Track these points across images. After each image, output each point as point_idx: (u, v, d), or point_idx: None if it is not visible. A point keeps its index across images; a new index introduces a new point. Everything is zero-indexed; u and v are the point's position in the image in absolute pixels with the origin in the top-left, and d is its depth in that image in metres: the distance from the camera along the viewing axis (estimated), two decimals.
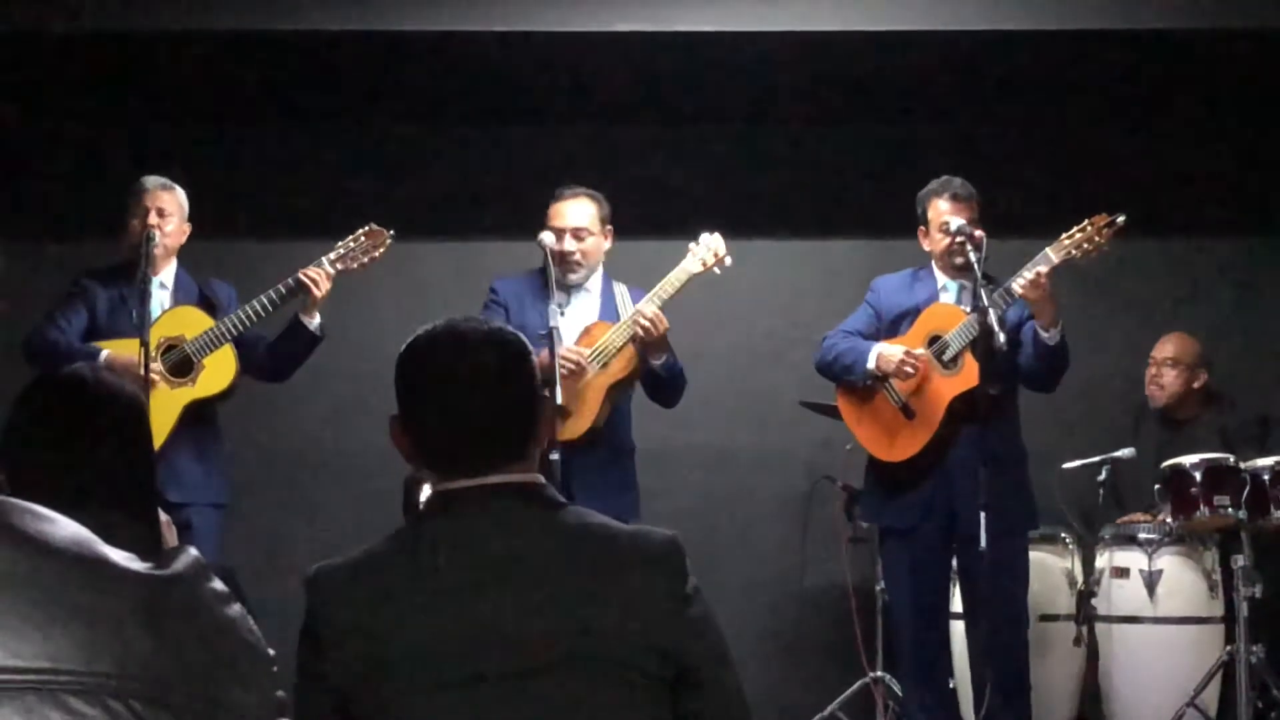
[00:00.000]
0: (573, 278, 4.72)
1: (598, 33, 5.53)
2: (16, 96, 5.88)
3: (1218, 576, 5.07)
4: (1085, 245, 4.54)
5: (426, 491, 1.96)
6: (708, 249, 4.67)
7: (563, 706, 1.80)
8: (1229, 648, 4.87)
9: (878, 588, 5.40)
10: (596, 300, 4.77)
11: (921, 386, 4.68)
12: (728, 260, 4.68)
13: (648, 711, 1.84)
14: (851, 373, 4.76)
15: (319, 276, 4.62)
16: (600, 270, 4.79)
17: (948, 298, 4.78)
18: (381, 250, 4.73)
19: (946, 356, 4.66)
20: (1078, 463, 5.45)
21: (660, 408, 4.87)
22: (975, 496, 4.42)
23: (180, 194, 4.78)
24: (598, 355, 4.60)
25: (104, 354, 4.55)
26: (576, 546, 1.88)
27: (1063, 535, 5.31)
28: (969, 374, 4.59)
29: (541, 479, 1.94)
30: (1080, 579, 5.21)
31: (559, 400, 4.37)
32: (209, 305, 4.73)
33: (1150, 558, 5.10)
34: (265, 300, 4.60)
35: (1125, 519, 5.35)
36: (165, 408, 4.48)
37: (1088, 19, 5.53)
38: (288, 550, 5.62)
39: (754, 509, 6.11)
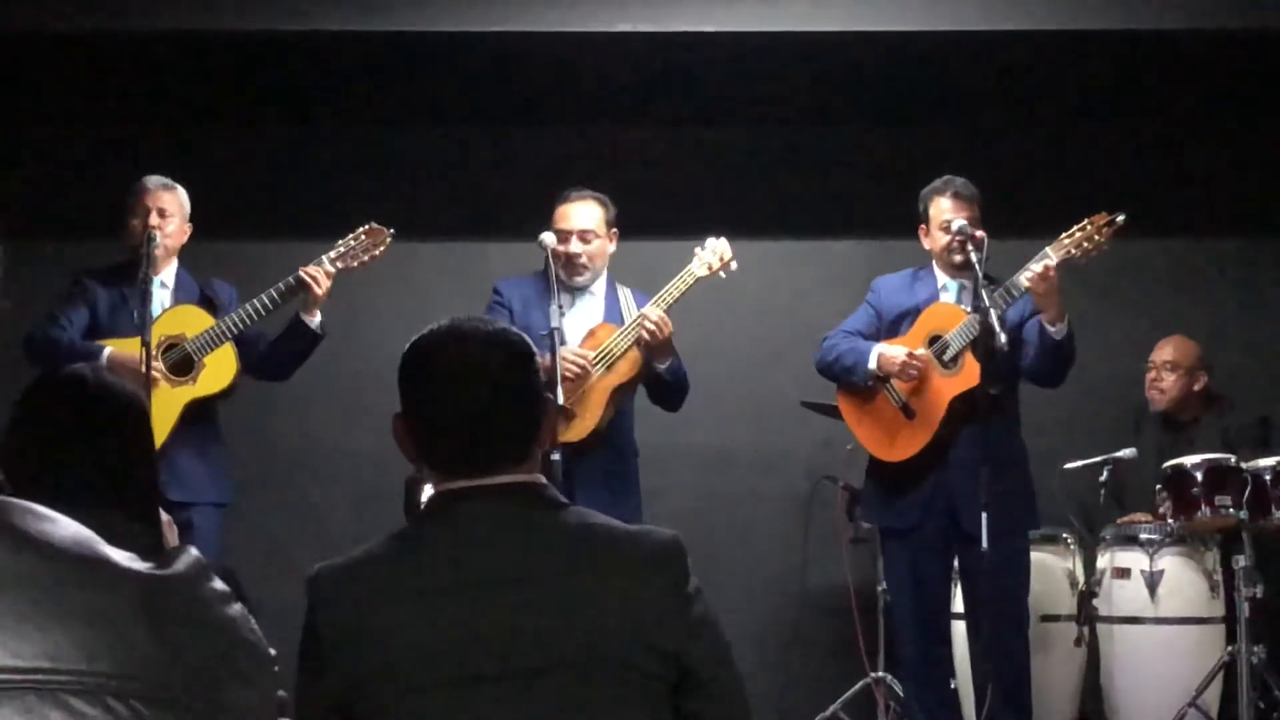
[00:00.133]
0: (578, 280, 4.71)
1: (598, 33, 5.53)
2: (16, 96, 5.87)
3: (1219, 577, 5.07)
4: (1085, 244, 4.53)
5: (428, 492, 1.96)
6: (714, 253, 4.67)
7: (564, 707, 1.80)
8: (1230, 648, 4.86)
9: (879, 588, 5.40)
10: (601, 303, 4.77)
11: (922, 386, 4.68)
12: (733, 264, 4.68)
13: (649, 712, 1.84)
14: (853, 373, 4.75)
15: (318, 274, 4.62)
16: (605, 273, 4.79)
17: (948, 297, 4.78)
18: (382, 249, 4.73)
19: (947, 356, 4.66)
20: (1079, 463, 5.44)
21: (661, 409, 4.87)
22: (976, 497, 4.42)
23: (181, 194, 4.78)
24: (602, 358, 4.60)
25: (106, 351, 4.55)
26: (578, 547, 1.88)
27: (1064, 535, 5.31)
28: (969, 374, 4.59)
29: (543, 479, 1.94)
30: (1081, 579, 5.21)
31: (560, 401, 4.36)
32: (210, 304, 4.73)
33: (1151, 558, 5.10)
34: (266, 299, 4.60)
35: (1126, 519, 5.35)
36: (166, 407, 4.48)
37: (1087, 19, 5.53)
38: (288, 550, 5.62)
39: (755, 509, 6.11)
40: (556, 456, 4.28)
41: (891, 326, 4.81)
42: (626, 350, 4.61)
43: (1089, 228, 4.55)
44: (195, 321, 4.63)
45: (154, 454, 2.12)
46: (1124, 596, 5.13)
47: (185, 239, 4.79)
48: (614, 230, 4.77)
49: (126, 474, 2.00)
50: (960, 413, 4.61)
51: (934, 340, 4.69)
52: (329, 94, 6.06)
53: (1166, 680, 4.97)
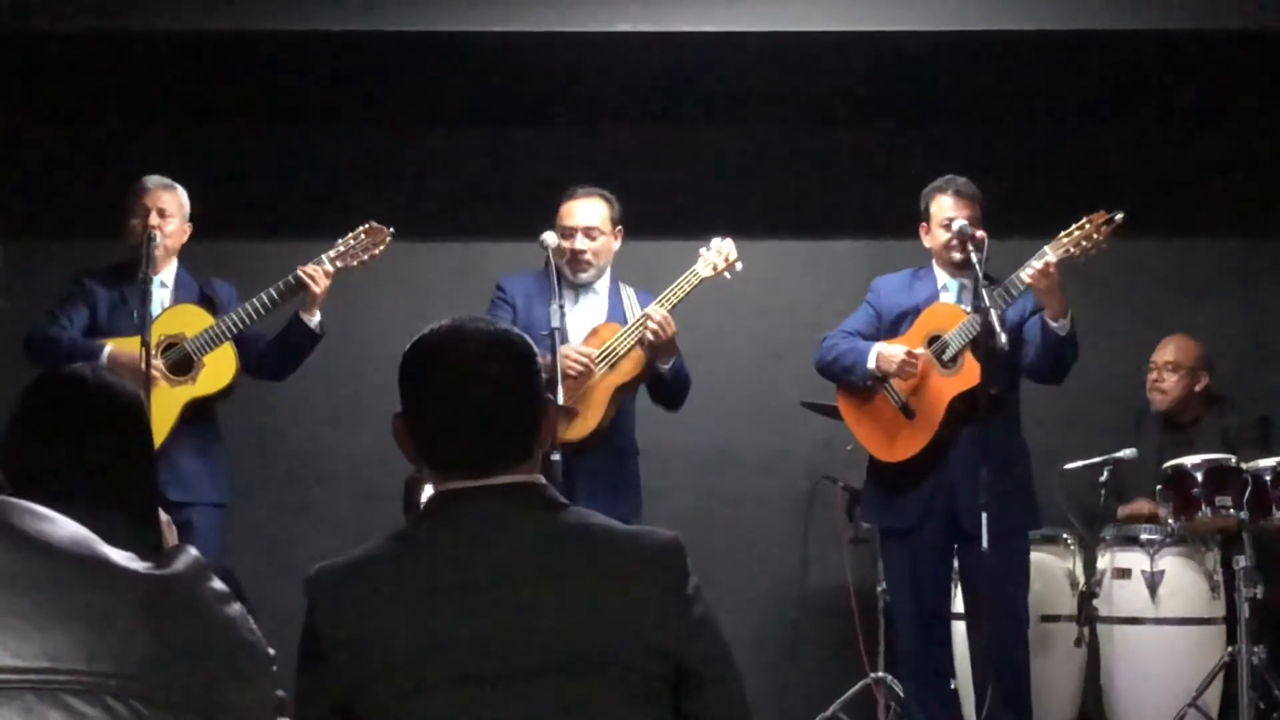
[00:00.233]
0: (583, 277, 4.72)
1: (597, 33, 5.53)
2: (16, 96, 5.87)
3: (1219, 577, 5.07)
4: (1084, 243, 4.53)
5: (428, 492, 1.96)
6: (718, 253, 4.67)
7: (563, 707, 1.80)
8: (1231, 649, 4.86)
9: (879, 588, 5.40)
10: (604, 301, 4.77)
11: (921, 386, 4.67)
12: (738, 265, 4.68)
13: (649, 712, 1.84)
14: (852, 373, 4.75)
15: (315, 273, 4.62)
16: (608, 272, 4.79)
17: (948, 297, 4.78)
18: (381, 248, 4.73)
19: (946, 356, 4.66)
20: (1079, 463, 5.44)
21: (661, 409, 4.87)
22: (976, 497, 4.42)
23: (181, 194, 4.78)
24: (605, 356, 4.60)
25: (107, 349, 4.55)
26: (578, 547, 1.88)
27: (1064, 536, 5.31)
28: (969, 374, 4.59)
29: (543, 480, 1.94)
30: (1082, 579, 5.21)
31: (560, 401, 4.36)
32: (209, 304, 4.73)
33: (1152, 558, 5.10)
34: (265, 298, 4.60)
35: (1128, 510, 5.34)
36: (165, 406, 4.48)
37: (1087, 19, 5.53)
38: (288, 550, 5.62)
39: (755, 509, 6.11)
40: (556, 456, 4.28)
41: (891, 326, 4.81)
42: (630, 350, 4.61)
43: (1088, 227, 4.54)
44: (195, 321, 4.63)
45: (153, 454, 2.12)
46: (1124, 597, 5.13)
47: (185, 239, 4.79)
48: (619, 228, 4.78)
49: (126, 474, 2.00)
50: (960, 413, 4.61)
51: (933, 340, 4.69)
52: (329, 94, 6.06)
53: (1167, 681, 4.97)
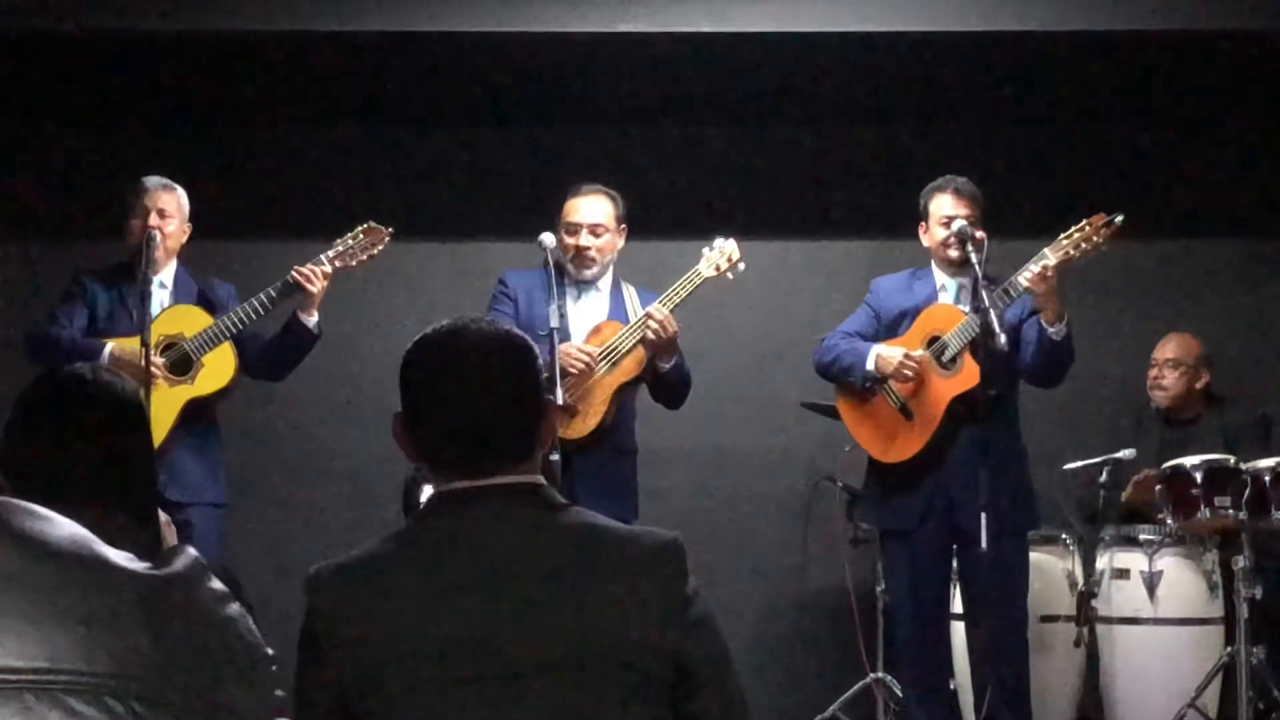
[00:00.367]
0: (587, 274, 4.71)
1: (597, 33, 5.53)
2: (17, 96, 5.87)
3: (1218, 578, 5.06)
4: (1083, 245, 4.53)
5: (427, 492, 1.96)
6: (721, 254, 4.66)
7: (563, 707, 1.80)
8: (1229, 649, 4.86)
9: (878, 589, 5.40)
10: (606, 299, 4.76)
11: (920, 387, 4.67)
12: (741, 266, 4.68)
13: (648, 712, 1.84)
14: (850, 374, 4.75)
15: (310, 274, 4.61)
16: (611, 270, 4.78)
17: (946, 297, 4.78)
18: (380, 248, 4.72)
19: (945, 357, 4.65)
20: (1079, 463, 5.44)
21: (661, 408, 4.86)
22: (975, 497, 4.42)
23: (181, 194, 4.77)
24: (607, 355, 4.59)
25: (109, 347, 4.54)
26: (577, 547, 1.88)
27: (1063, 536, 5.31)
28: (968, 374, 4.58)
29: (543, 480, 1.94)
30: (1081, 580, 5.20)
31: (559, 400, 4.36)
32: (208, 304, 4.72)
33: (1151, 559, 5.10)
34: (264, 298, 4.59)
35: (1139, 477, 5.30)
36: (164, 406, 4.48)
37: (1087, 20, 5.53)
38: (287, 550, 5.62)
39: (754, 510, 6.10)
40: (556, 456, 4.27)
41: (890, 327, 4.81)
42: (631, 349, 4.60)
43: (1087, 229, 4.54)
44: (194, 321, 4.62)
45: (153, 454, 2.12)
46: (1123, 597, 5.13)
47: (185, 239, 4.79)
48: (623, 226, 4.77)
49: (125, 474, 1.99)
50: (959, 413, 4.61)
51: (932, 341, 4.69)
52: (328, 94, 6.06)
53: (1165, 681, 4.97)
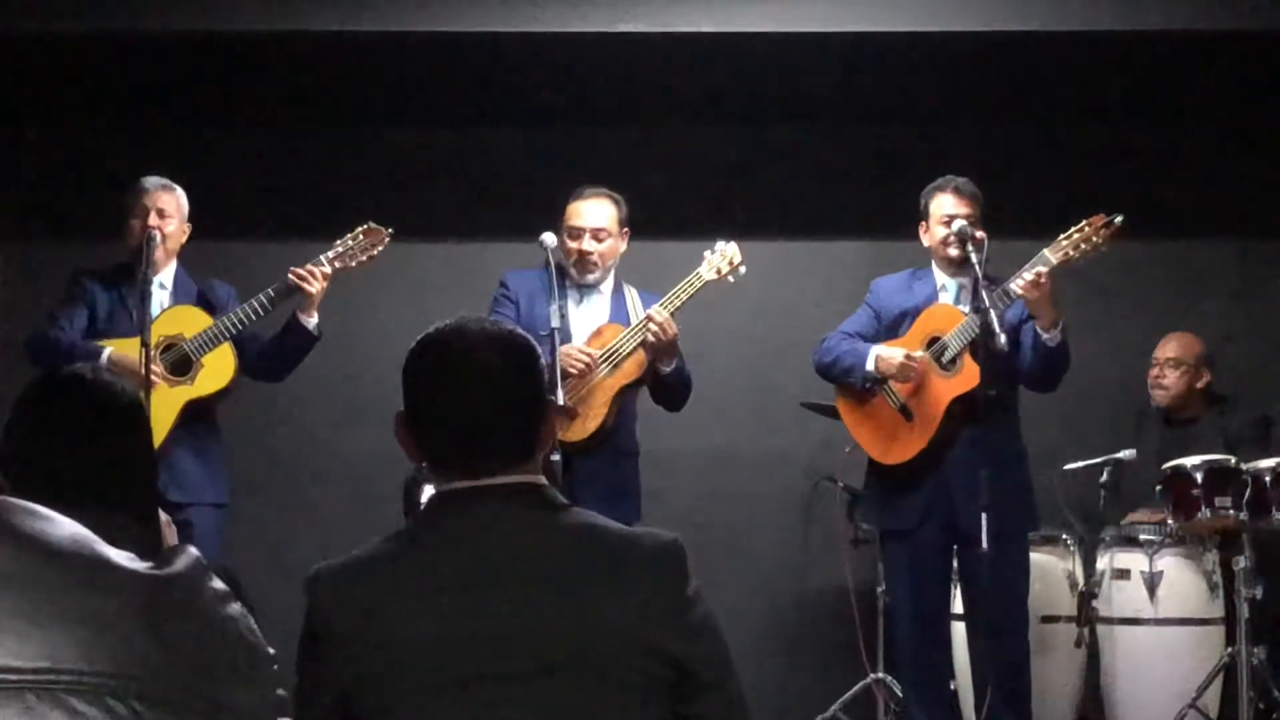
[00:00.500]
0: (589, 278, 4.70)
1: (597, 33, 5.53)
2: (17, 96, 5.87)
3: (1219, 578, 5.06)
4: (1083, 246, 4.53)
5: (428, 493, 1.96)
6: (722, 257, 4.66)
7: (563, 707, 1.80)
8: (1230, 649, 4.86)
9: (879, 589, 5.40)
10: (607, 302, 4.75)
11: (920, 388, 4.67)
12: (742, 269, 4.67)
13: (649, 713, 1.84)
14: (850, 375, 4.75)
15: (308, 275, 4.60)
16: (613, 272, 4.78)
17: (947, 298, 4.78)
18: (380, 248, 4.72)
19: (945, 358, 4.65)
20: (1079, 464, 5.44)
21: (661, 409, 4.86)
22: (976, 498, 4.42)
23: (180, 194, 4.77)
24: (608, 357, 4.59)
25: (107, 351, 4.54)
26: (578, 548, 1.88)
27: (1064, 537, 5.31)
28: (968, 375, 4.58)
29: (544, 480, 1.94)
30: (1081, 580, 5.20)
31: (560, 401, 4.36)
32: (208, 304, 4.72)
33: (1151, 559, 5.09)
34: (264, 299, 4.59)
35: (1131, 519, 5.34)
36: (164, 407, 4.48)
37: (1088, 19, 5.54)
38: (288, 551, 5.61)
39: (755, 510, 6.10)
40: (556, 457, 4.27)
41: (890, 327, 4.81)
42: (632, 351, 4.60)
43: (1087, 229, 4.54)
44: (193, 322, 4.62)
45: (153, 454, 2.12)
46: (1124, 598, 5.13)
47: (184, 239, 4.79)
48: (626, 229, 4.76)
49: (126, 474, 2.00)
50: (959, 414, 4.61)
51: (932, 342, 4.69)
52: (329, 94, 6.06)
53: (1166, 681, 4.97)
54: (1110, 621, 5.15)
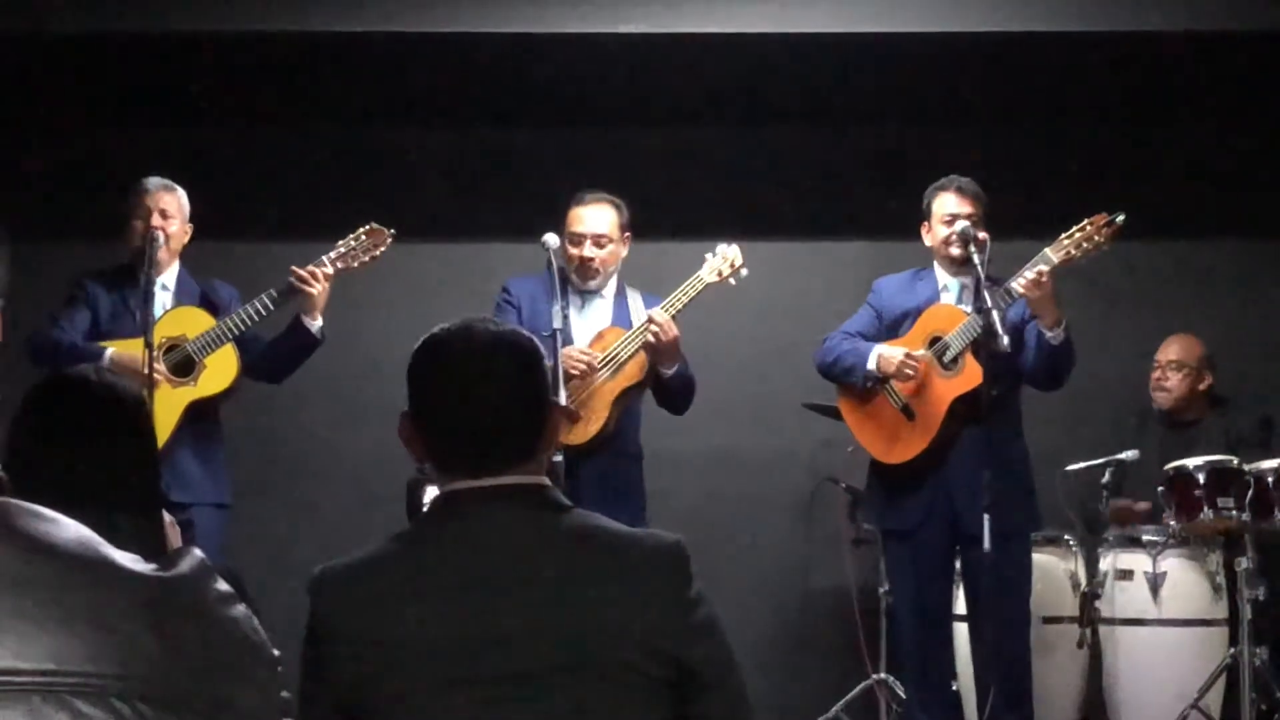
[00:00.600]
0: (591, 284, 4.70)
1: (598, 34, 5.53)
2: (18, 97, 5.87)
3: (1221, 579, 5.06)
4: (1085, 245, 4.53)
5: (430, 494, 1.96)
6: (724, 259, 4.66)
7: (566, 708, 1.80)
8: (1233, 650, 4.86)
9: (881, 589, 5.39)
10: (610, 306, 4.75)
11: (922, 388, 4.67)
12: (743, 271, 4.67)
13: (651, 714, 1.84)
14: (852, 374, 4.75)
15: (308, 276, 4.60)
16: (615, 276, 4.77)
17: (949, 298, 4.78)
18: (382, 249, 4.72)
19: (947, 358, 4.65)
20: (1081, 464, 5.43)
21: (663, 410, 4.86)
22: (978, 498, 4.42)
23: (181, 195, 4.77)
24: (608, 360, 4.59)
25: (108, 352, 4.54)
26: (581, 549, 1.88)
27: (1066, 537, 5.31)
28: (970, 375, 4.58)
29: (547, 481, 1.94)
30: (1084, 581, 5.20)
31: (562, 401, 4.36)
32: (210, 305, 4.72)
33: (1154, 560, 5.09)
34: (266, 299, 4.59)
35: (1118, 503, 5.33)
36: (167, 408, 4.48)
37: (1088, 20, 5.54)
38: (291, 551, 5.61)
39: (757, 511, 6.10)
40: (559, 458, 4.27)
41: (892, 327, 4.81)
42: (634, 354, 4.60)
43: (1089, 228, 4.54)
44: (196, 322, 4.62)
45: (156, 455, 2.12)
46: (1126, 598, 5.13)
47: (186, 240, 4.79)
48: (627, 234, 4.75)
49: (130, 475, 2.00)
50: (961, 414, 4.61)
51: (934, 341, 4.68)
52: (330, 94, 6.06)
53: (1169, 682, 4.97)
54: (1113, 622, 5.14)
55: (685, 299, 4.62)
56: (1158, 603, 5.07)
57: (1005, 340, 4.35)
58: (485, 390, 1.89)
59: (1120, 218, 4.51)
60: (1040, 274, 4.45)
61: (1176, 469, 4.96)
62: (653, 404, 4.83)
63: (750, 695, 1.94)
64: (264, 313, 4.60)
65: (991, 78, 5.93)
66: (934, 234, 4.76)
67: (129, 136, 5.99)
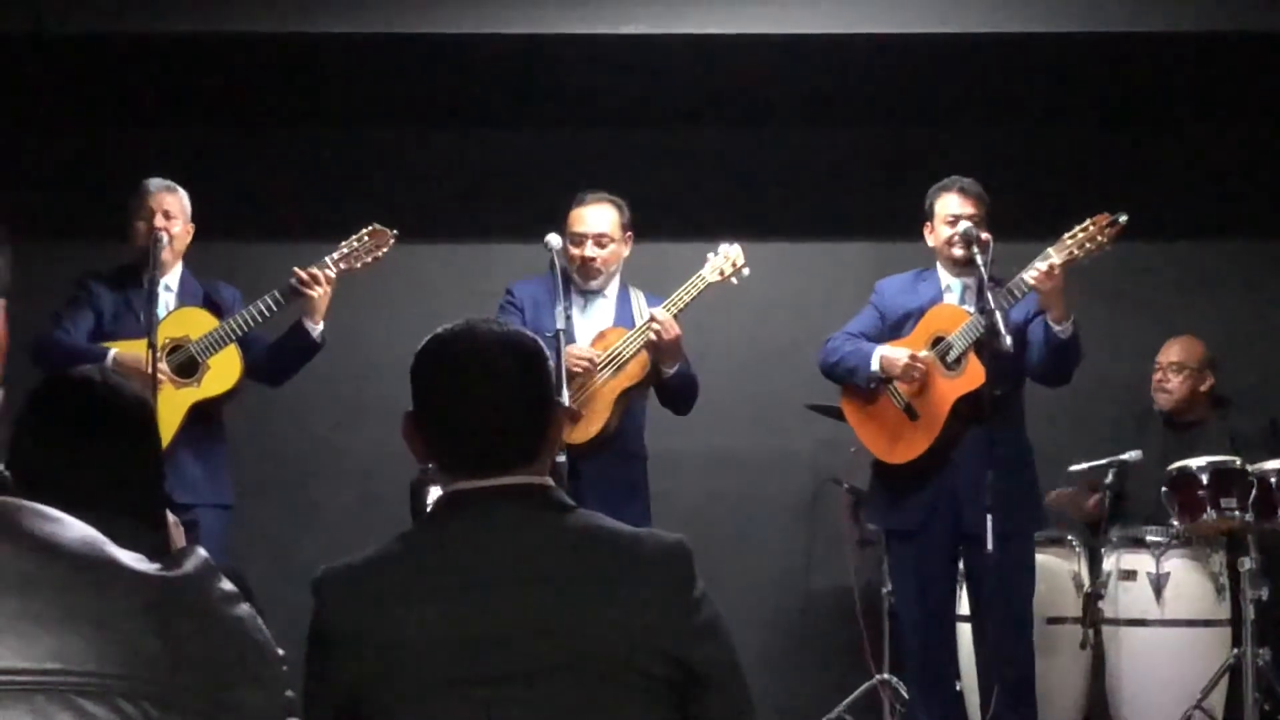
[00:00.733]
0: (593, 284, 4.70)
1: (601, 35, 5.53)
2: (18, 98, 5.87)
3: (1225, 579, 5.06)
4: (1087, 245, 4.53)
5: (434, 494, 1.96)
6: (725, 258, 4.66)
7: (569, 708, 1.80)
8: (1236, 650, 4.86)
9: (884, 590, 5.40)
10: (612, 305, 4.75)
11: (925, 388, 4.67)
12: (745, 271, 4.67)
13: (654, 714, 1.84)
14: (855, 375, 4.75)
15: (310, 278, 4.59)
16: (618, 276, 4.77)
17: (951, 298, 4.78)
18: (385, 250, 4.72)
19: (950, 358, 4.65)
20: (1084, 465, 5.43)
21: (665, 410, 4.86)
22: (981, 498, 4.42)
23: (183, 195, 4.77)
24: (610, 360, 4.59)
25: (112, 353, 4.54)
26: (584, 549, 1.88)
27: (1069, 538, 5.30)
28: (973, 375, 4.58)
29: (550, 481, 1.94)
30: (1087, 581, 5.20)
31: (565, 401, 4.36)
32: (213, 306, 4.72)
33: (1157, 560, 5.09)
34: (269, 300, 4.59)
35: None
36: (170, 408, 4.48)
37: (1089, 21, 5.54)
38: (294, 552, 5.61)
39: (760, 511, 6.10)
40: (561, 458, 4.26)
41: (895, 328, 4.80)
42: (635, 353, 4.60)
43: (1091, 228, 4.54)
44: (199, 323, 4.62)
45: (160, 456, 2.12)
46: (1130, 599, 5.12)
47: (188, 240, 4.79)
48: (629, 234, 4.76)
49: (134, 476, 2.00)
50: (964, 414, 4.60)
51: (937, 342, 4.68)
52: (331, 95, 6.06)
53: (1172, 683, 4.96)
54: (1116, 623, 5.14)
55: (687, 298, 4.62)
56: (1161, 603, 5.07)
57: (1008, 340, 4.35)
58: (488, 390, 1.89)
59: (1123, 218, 4.51)
60: (1053, 266, 4.45)
61: (1179, 469, 4.96)
62: (656, 405, 4.83)
63: (753, 696, 1.94)
64: (267, 314, 4.60)
65: (992, 78, 5.93)
66: (936, 234, 4.75)
67: (129, 136, 5.99)
